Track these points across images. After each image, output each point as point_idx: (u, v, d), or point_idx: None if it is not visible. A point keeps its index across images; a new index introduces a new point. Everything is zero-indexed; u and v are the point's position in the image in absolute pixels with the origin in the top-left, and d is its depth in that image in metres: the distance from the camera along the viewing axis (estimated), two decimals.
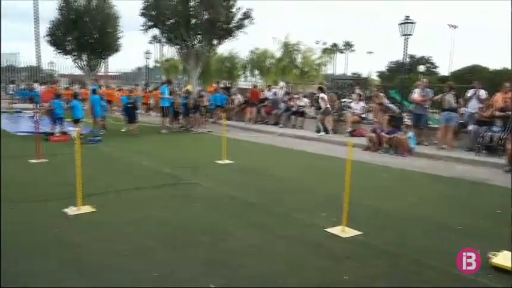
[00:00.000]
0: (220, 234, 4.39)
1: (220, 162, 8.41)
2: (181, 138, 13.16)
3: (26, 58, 72.45)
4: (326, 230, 4.53)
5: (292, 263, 3.74)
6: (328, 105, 13.69)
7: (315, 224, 4.73)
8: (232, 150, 9.12)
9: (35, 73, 39.26)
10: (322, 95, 13.89)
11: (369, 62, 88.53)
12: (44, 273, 3.40)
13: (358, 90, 14.83)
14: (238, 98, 18.28)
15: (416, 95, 11.65)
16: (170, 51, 63.93)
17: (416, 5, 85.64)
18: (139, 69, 63.86)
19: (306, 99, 16.47)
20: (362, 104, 13.96)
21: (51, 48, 28.37)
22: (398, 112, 12.59)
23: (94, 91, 14.49)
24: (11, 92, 27.43)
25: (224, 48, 35.51)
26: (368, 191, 6.35)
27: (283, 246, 4.11)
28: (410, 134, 10.69)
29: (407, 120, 11.93)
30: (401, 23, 13.71)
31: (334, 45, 71.75)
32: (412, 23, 13.63)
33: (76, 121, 11.48)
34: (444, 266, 3.69)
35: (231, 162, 8.45)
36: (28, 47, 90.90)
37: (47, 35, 28.16)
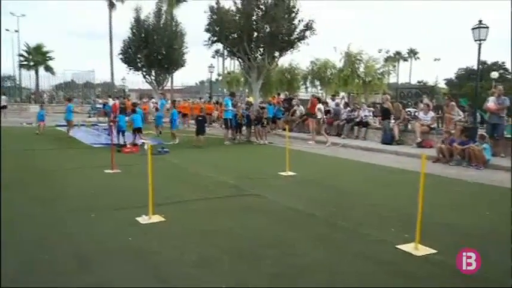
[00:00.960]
0: (286, 247, 4.32)
1: (283, 173, 8.37)
2: (244, 149, 13.32)
3: (100, 75, 77.77)
4: (397, 247, 4.29)
5: (363, 282, 3.57)
6: (323, 116, 13.85)
7: (385, 240, 4.51)
8: (295, 161, 9.05)
9: (108, 89, 42.11)
10: (319, 105, 13.81)
11: (436, 69, 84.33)
12: (122, 278, 3.55)
13: (426, 100, 14.15)
14: (300, 109, 18.21)
15: (491, 103, 10.86)
16: (232, 65, 65.67)
17: (485, 5, 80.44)
18: (202, 82, 66.06)
19: (370, 109, 16.01)
20: (431, 113, 13.28)
21: (124, 65, 30.27)
22: (471, 122, 11.80)
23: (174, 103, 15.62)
24: (98, 106, 29.11)
25: (284, 60, 35.64)
26: (441, 205, 5.96)
27: (353, 264, 3.95)
28: (486, 145, 9.95)
29: (481, 130, 11.15)
30: (474, 28, 12.89)
31: (398, 53, 69.36)
32: (485, 27, 12.76)
33: (136, 130, 12.52)
34: None
35: (294, 174, 8.38)
36: (103, 64, 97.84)
37: (120, 53, 30.14)
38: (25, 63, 44.22)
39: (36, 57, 43.83)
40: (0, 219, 4.99)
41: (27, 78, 41.78)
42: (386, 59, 36.73)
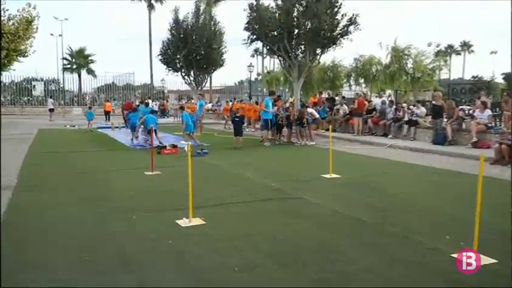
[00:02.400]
0: (331, 253, 4.25)
1: (326, 176, 8.26)
2: (285, 151, 13.28)
3: (140, 77, 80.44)
4: (453, 255, 4.10)
5: None
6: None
7: (439, 248, 4.33)
8: (339, 163, 8.93)
9: (148, 90, 43.38)
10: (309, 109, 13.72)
11: (492, 63, 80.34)
12: (163, 280, 3.63)
13: (483, 97, 13.50)
14: (344, 109, 17.93)
15: None
16: (272, 64, 65.75)
17: None
18: (241, 82, 66.63)
19: (422, 108, 15.48)
20: (488, 111, 12.65)
21: (163, 67, 31.09)
22: None
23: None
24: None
25: (326, 57, 35.22)
26: (501, 211, 5.64)
27: (405, 273, 3.80)
28: None
29: None
30: None
31: (449, 46, 66.67)
32: None
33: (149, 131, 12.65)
34: None
35: (338, 176, 8.25)
36: (142, 66, 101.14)
37: (159, 55, 30.98)
38: (68, 66, 46.54)
39: (79, 60, 46.06)
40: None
41: (70, 81, 43.86)
42: (437, 53, 35.47)
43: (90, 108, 24.22)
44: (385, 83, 28.61)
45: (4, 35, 21.11)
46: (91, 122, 20.62)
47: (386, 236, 4.79)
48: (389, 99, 18.88)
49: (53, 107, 30.36)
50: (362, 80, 32.15)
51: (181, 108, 16.03)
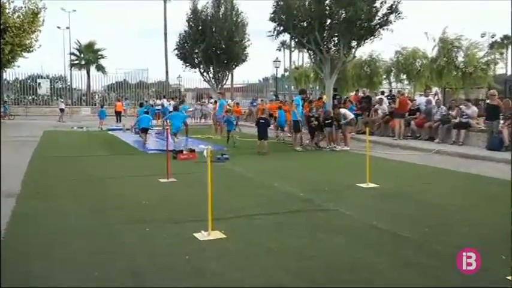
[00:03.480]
0: (367, 273, 4.22)
1: (363, 185, 8.20)
2: (316, 156, 13.26)
3: (154, 74, 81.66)
4: (508, 278, 4.01)
5: None
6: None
7: (493, 270, 4.24)
8: (377, 171, 8.86)
9: (163, 88, 43.94)
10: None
11: None
12: None
13: None
14: (383, 109, 17.77)
15: None
16: (300, 58, 65.71)
17: None
18: (265, 79, 66.83)
19: (473, 108, 15.17)
20: None
21: (180, 62, 31.50)
22: None
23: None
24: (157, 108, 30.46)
25: (363, 50, 34.97)
26: None
27: None
28: None
29: None
30: None
31: (506, 37, 64.94)
32: None
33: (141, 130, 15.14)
34: None
35: (375, 185, 8.18)
36: (157, 62, 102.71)
37: (175, 49, 31.39)
38: (76, 62, 47.70)
39: (88, 55, 47.14)
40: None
41: (78, 79, 44.92)
42: (492, 45, 34.70)
43: (102, 106, 26.34)
44: (431, 80, 28.10)
45: (8, 28, 21.84)
46: (102, 121, 22.03)
47: (432, 254, 4.72)
48: (436, 98, 18.60)
49: (63, 107, 31.34)
50: (404, 76, 31.72)
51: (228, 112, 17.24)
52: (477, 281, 4.01)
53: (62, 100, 33.44)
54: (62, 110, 30.83)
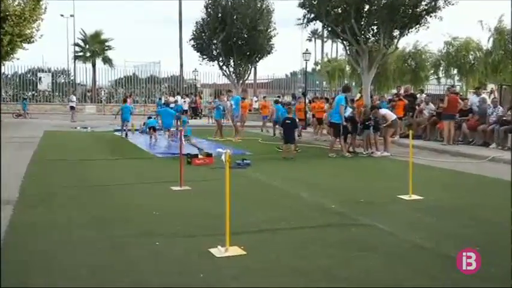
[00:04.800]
0: None
1: (404, 197, 8.13)
2: (351, 163, 13.19)
3: (167, 67, 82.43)
4: None
5: None
6: None
7: None
8: (422, 180, 8.80)
9: (176, 84, 44.19)
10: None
11: None
12: None
13: None
14: (429, 109, 17.58)
15: None
16: (334, 50, 65.39)
17: None
18: (293, 74, 66.76)
19: None
20: None
21: (196, 54, 31.70)
22: None
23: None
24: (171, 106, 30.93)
25: (407, 41, 34.60)
26: None
27: None
28: None
29: None
30: None
31: None
32: None
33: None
34: None
35: (419, 197, 8.11)
36: (171, 54, 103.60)
37: (191, 39, 31.57)
38: (80, 54, 48.47)
39: (93, 46, 47.88)
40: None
41: (82, 73, 45.61)
42: None
43: (125, 100, 24.33)
44: (486, 75, 27.70)
45: (8, 17, 22.36)
46: (127, 123, 20.91)
47: (487, 280, 4.64)
48: (492, 96, 18.28)
49: (74, 105, 31.50)
50: (455, 71, 31.32)
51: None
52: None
53: (74, 97, 32.89)
54: (73, 108, 31.13)
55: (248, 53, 30.77)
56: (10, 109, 34.91)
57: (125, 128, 20.26)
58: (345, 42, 21.07)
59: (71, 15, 45.38)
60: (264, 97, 31.66)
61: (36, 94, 42.48)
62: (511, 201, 6.29)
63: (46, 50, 73.31)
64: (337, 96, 15.30)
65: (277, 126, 18.64)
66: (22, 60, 32.54)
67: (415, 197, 8.13)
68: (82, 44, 48.76)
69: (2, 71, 34.71)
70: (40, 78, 42.40)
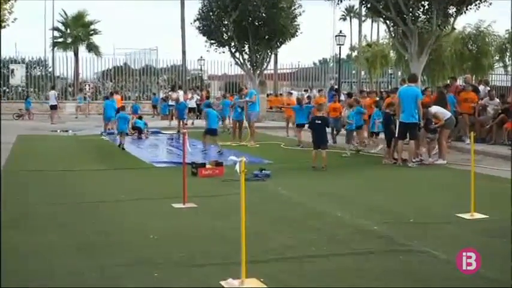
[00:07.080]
0: None
1: (464, 216, 8.10)
2: (397, 173, 13.10)
3: (167, 55, 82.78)
4: None
5: None
6: None
7: None
8: (486, 195, 8.75)
9: (178, 75, 44.12)
10: None
11: None
12: None
13: None
14: (494, 104, 17.42)
15: None
16: (374, 31, 64.97)
17: None
18: (323, 62, 66.55)
19: None
20: None
21: (202, 38, 31.58)
22: None
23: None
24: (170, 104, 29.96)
25: (466, 21, 34.30)
26: None
27: None
28: None
29: None
30: None
31: None
32: None
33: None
34: None
35: (483, 216, 8.07)
36: (171, 39, 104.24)
37: (195, 20, 31.53)
38: (61, 40, 48.72)
39: (76, 31, 48.06)
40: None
41: (63, 63, 45.68)
42: None
43: (111, 95, 25.89)
44: None
45: None
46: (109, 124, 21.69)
47: None
48: None
49: (56, 103, 31.34)
50: None
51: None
52: None
53: (55, 93, 32.73)
54: (54, 108, 30.97)
55: (267, 37, 30.55)
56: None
57: (109, 128, 20.48)
58: (388, 21, 20.99)
59: None
60: (290, 92, 31.52)
61: (8, 90, 42.65)
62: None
63: (20, 36, 74.01)
64: (407, 89, 14.40)
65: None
66: None
67: (477, 215, 8.09)
68: (62, 27, 49.07)
69: None
70: (12, 71, 42.43)
